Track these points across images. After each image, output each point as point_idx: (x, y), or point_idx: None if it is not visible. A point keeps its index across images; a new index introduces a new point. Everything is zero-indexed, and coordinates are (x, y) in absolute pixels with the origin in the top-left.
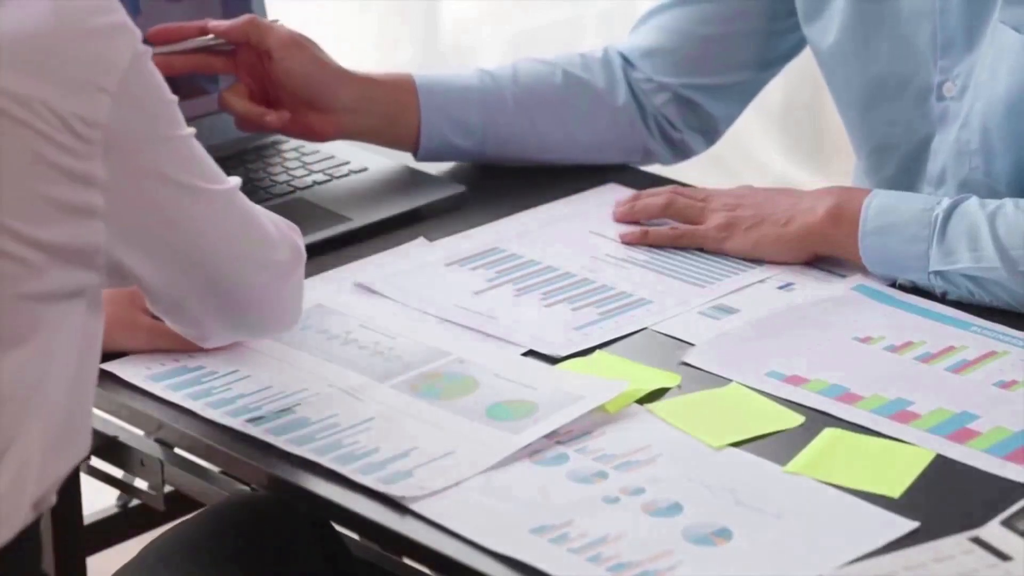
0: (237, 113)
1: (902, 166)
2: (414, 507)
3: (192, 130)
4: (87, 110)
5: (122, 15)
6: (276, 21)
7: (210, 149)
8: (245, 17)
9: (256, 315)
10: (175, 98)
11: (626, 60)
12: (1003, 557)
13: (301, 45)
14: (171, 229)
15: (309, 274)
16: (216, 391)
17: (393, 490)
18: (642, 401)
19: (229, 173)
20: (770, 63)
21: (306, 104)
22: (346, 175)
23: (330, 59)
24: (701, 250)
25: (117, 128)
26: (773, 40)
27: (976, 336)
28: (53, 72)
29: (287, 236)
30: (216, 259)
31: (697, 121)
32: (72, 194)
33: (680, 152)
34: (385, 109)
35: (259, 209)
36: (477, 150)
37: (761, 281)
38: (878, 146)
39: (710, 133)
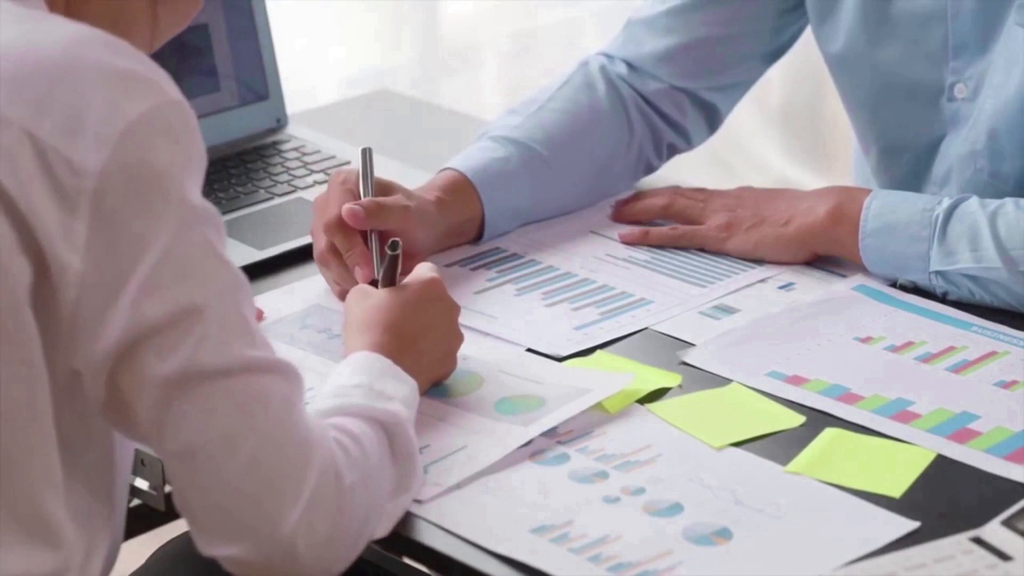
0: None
1: (911, 166)
2: (413, 508)
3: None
4: (76, 155)
5: (147, 69)
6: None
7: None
8: (369, 203)
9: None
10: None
11: (635, 70)
12: (1003, 557)
13: (408, 212)
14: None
15: (309, 274)
16: None
17: None
18: (642, 401)
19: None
20: (776, 54)
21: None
22: None
23: (415, 199)
24: (702, 250)
25: (106, 193)
26: (780, 33)
27: (976, 336)
28: (47, 104)
29: (323, 446)
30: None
31: (705, 120)
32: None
33: (676, 152)
34: (459, 223)
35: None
36: (519, 224)
37: (761, 281)
38: (888, 147)
39: (713, 128)
